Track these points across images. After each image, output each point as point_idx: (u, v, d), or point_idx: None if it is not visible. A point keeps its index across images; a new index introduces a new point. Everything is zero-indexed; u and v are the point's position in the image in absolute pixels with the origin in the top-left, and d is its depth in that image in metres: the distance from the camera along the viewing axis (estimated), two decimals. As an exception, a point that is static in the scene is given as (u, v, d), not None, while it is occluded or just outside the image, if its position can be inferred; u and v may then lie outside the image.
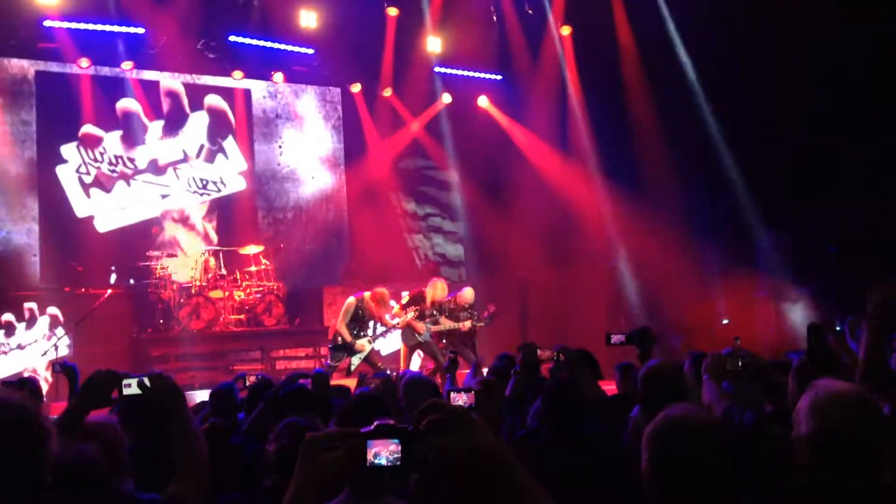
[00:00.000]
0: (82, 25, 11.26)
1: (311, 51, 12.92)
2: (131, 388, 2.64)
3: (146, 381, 2.57)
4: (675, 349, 9.66)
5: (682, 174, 11.33)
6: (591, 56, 13.01)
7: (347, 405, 3.22)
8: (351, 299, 9.04)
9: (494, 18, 12.95)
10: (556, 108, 13.38)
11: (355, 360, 8.99)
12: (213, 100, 13.12)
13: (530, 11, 12.93)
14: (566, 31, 13.15)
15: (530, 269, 13.13)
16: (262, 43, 12.52)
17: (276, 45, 12.68)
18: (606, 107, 12.65)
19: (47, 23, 11.01)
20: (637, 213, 11.34)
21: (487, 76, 14.06)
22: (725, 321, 11.25)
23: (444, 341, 9.52)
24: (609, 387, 5.56)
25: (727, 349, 4.00)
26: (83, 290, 10.53)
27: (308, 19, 12.25)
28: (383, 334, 9.51)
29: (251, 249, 11.92)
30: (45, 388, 7.76)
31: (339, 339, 8.96)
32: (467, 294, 9.60)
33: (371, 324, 9.18)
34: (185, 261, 12.10)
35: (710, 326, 11.19)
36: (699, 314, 10.87)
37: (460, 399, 4.10)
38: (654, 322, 10.68)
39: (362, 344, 8.96)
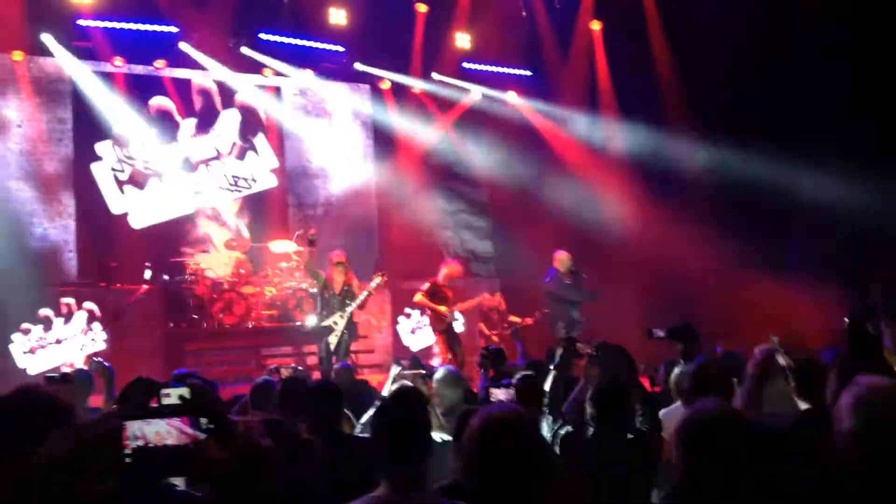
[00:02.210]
0: (116, 24, 11.40)
1: (340, 48, 12.99)
2: (170, 397, 2.66)
3: (187, 393, 2.59)
4: (709, 347, 9.56)
5: (716, 168, 11.23)
6: (621, 50, 12.91)
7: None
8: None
9: (523, 13, 12.91)
10: (586, 103, 13.31)
11: (332, 340, 8.72)
12: (244, 97, 13.23)
13: (559, 6, 12.86)
14: (596, 25, 13.08)
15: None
16: (292, 40, 12.60)
17: (306, 43, 12.76)
18: (637, 101, 12.55)
19: (82, 22, 11.17)
20: (670, 207, 11.25)
21: (516, 71, 14.02)
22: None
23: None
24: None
25: (765, 347, 3.97)
26: (119, 285, 10.69)
27: (338, 16, 12.31)
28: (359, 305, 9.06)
29: (282, 246, 12.03)
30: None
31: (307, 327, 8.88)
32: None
33: (337, 299, 8.87)
34: (218, 257, 12.23)
35: (745, 323, 11.08)
36: (734, 310, 10.76)
37: (501, 395, 4.11)
38: (688, 318, 10.61)
39: (333, 322, 8.72)
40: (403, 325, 12.26)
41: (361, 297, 8.94)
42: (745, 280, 11.22)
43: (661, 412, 4.39)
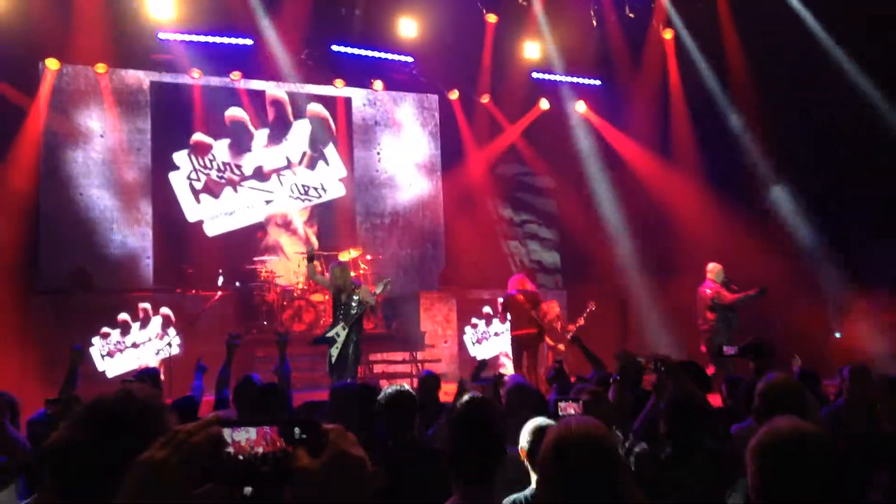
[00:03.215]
0: (195, 37, 11.75)
1: (410, 58, 13.10)
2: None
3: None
4: (782, 365, 9.29)
5: (792, 183, 10.92)
6: (694, 59, 12.68)
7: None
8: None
9: (594, 23, 12.80)
10: (658, 114, 13.11)
11: (333, 353, 7.98)
12: (315, 108, 13.46)
13: (631, 15, 12.72)
14: (668, 34, 12.89)
15: (628, 277, 12.89)
16: (362, 52, 12.78)
17: (376, 54, 12.92)
18: (711, 112, 12.31)
19: (162, 35, 11.54)
20: (743, 222, 10.97)
21: (586, 81, 13.91)
22: (837, 335, 10.76)
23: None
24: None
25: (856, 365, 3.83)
26: (193, 291, 10.95)
27: (408, 28, 12.41)
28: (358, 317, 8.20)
29: (349, 255, 12.16)
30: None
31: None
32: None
33: (346, 305, 8.10)
34: (288, 264, 12.46)
35: (820, 341, 10.74)
36: (808, 328, 10.42)
37: (570, 409, 4.05)
38: (760, 336, 10.33)
39: (335, 333, 8.01)
40: (469, 335, 12.25)
41: (357, 308, 8.10)
42: (820, 294, 10.90)
43: (733, 429, 4.27)
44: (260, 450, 1.19)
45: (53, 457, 1.52)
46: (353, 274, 9.01)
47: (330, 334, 8.08)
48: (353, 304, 8.10)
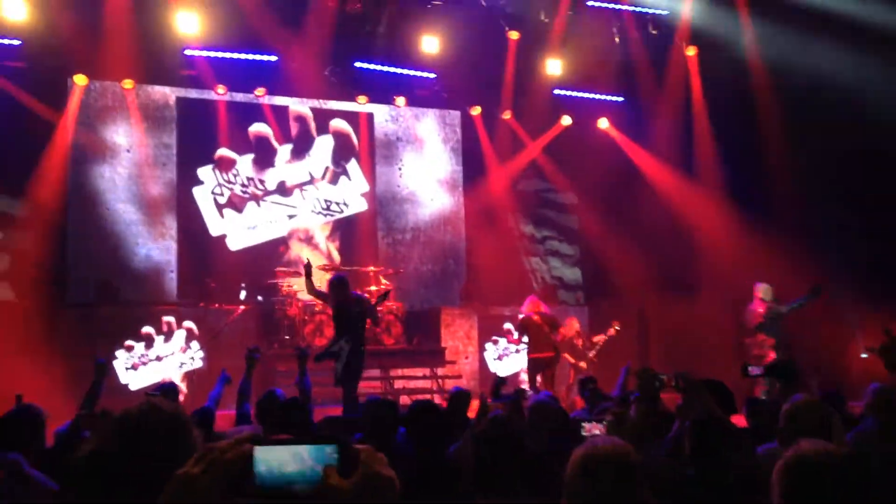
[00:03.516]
0: (220, 54, 11.91)
1: (432, 75, 13.19)
2: None
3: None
4: (807, 385, 9.19)
5: (816, 200, 10.83)
6: (718, 76, 12.65)
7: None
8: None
9: (616, 40, 12.82)
10: (681, 131, 13.08)
11: (339, 367, 7.89)
12: (338, 124, 13.56)
13: (654, 32, 12.73)
14: (692, 51, 12.88)
15: (650, 295, 12.83)
16: (385, 68, 12.88)
17: (398, 71, 13.02)
18: (735, 129, 12.25)
19: (188, 52, 11.70)
20: (767, 240, 10.88)
21: (608, 98, 13.92)
22: (864, 354, 10.61)
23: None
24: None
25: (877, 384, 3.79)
26: (216, 305, 11.03)
27: (430, 45, 12.50)
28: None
29: (371, 270, 12.22)
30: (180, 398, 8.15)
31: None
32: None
33: (348, 318, 8.00)
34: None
35: (845, 362, 10.62)
36: (833, 347, 10.30)
37: (595, 430, 4.05)
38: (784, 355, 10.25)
39: (339, 346, 7.89)
40: (490, 351, 12.23)
41: (358, 320, 8.02)
42: (843, 314, 10.78)
43: (759, 450, 4.23)
44: (291, 468, 1.20)
45: (84, 469, 1.55)
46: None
47: (334, 349, 8.02)
48: (356, 316, 8.05)
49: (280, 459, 1.21)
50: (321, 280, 12.10)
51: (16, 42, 10.80)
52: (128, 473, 1.48)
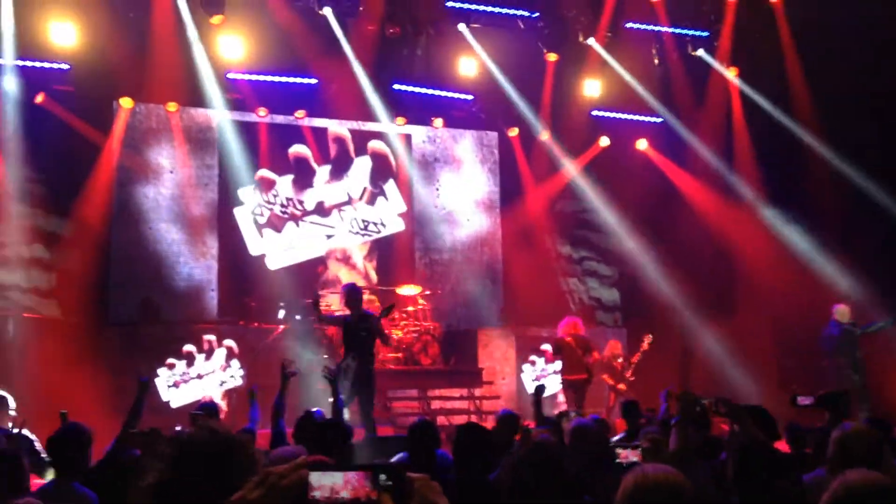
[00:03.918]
0: (262, 77, 12.12)
1: (470, 96, 13.27)
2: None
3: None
4: (853, 414, 9.00)
5: (862, 221, 10.64)
6: (759, 96, 12.53)
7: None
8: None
9: (656, 61, 12.79)
10: (721, 151, 12.96)
11: (346, 384, 7.66)
12: (376, 145, 13.68)
13: (694, 53, 12.67)
14: (732, 72, 12.79)
15: (690, 316, 12.67)
16: (423, 90, 12.99)
17: (436, 92, 13.12)
18: (777, 149, 12.11)
19: (231, 75, 11.93)
20: (812, 262, 10.71)
21: (647, 119, 13.87)
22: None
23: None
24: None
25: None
26: (256, 324, 11.15)
27: (468, 67, 12.58)
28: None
29: (408, 290, 12.25)
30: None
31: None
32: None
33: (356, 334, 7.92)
34: (347, 299, 12.56)
35: (890, 386, 10.35)
36: (883, 375, 10.07)
37: (633, 456, 4.01)
38: (823, 382, 10.08)
39: (347, 363, 7.80)
40: (528, 372, 12.17)
41: (367, 337, 7.90)
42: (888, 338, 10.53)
43: (805, 478, 4.15)
44: (346, 494, 1.22)
45: (155, 498, 1.57)
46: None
47: (342, 365, 7.95)
48: (363, 333, 8.02)
49: (335, 485, 1.22)
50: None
51: (65, 66, 11.09)
52: (194, 500, 1.50)
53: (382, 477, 1.25)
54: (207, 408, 6.13)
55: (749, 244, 12.28)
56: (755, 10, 11.79)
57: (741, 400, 4.79)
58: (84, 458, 4.23)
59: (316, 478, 1.25)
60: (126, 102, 11.85)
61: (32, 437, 5.37)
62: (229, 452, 1.56)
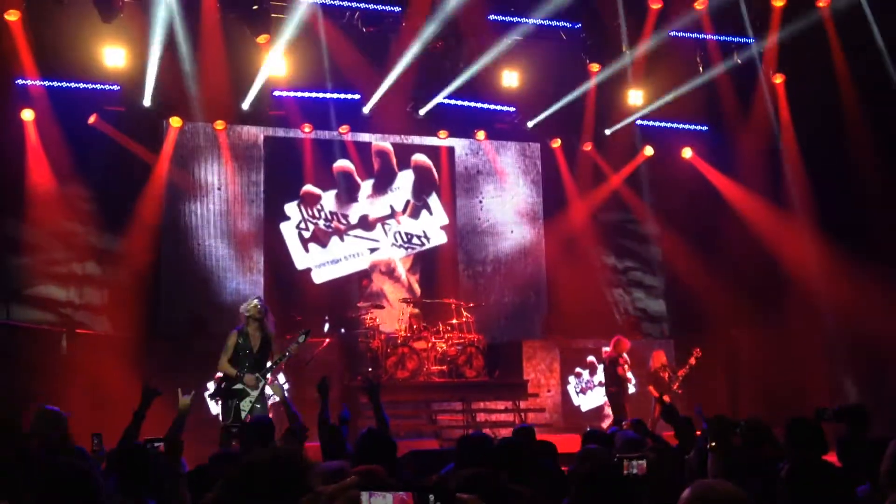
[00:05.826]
0: (306, 94, 12.28)
1: (512, 108, 13.27)
2: None
3: None
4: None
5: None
6: (807, 103, 12.30)
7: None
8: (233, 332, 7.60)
9: (700, 69, 12.65)
10: (768, 159, 12.74)
11: (245, 405, 7.28)
12: (419, 158, 13.77)
13: (739, 61, 12.50)
14: (779, 79, 12.58)
15: (739, 328, 12.45)
16: (466, 103, 13.02)
17: (479, 105, 13.15)
18: (825, 156, 11.85)
19: (277, 93, 12.11)
20: (862, 272, 10.42)
21: (692, 127, 13.71)
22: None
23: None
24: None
25: None
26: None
27: (510, 79, 12.59)
28: (280, 366, 7.70)
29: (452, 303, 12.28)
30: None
31: (220, 384, 7.35)
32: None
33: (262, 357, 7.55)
34: (391, 312, 12.65)
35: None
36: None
37: (635, 467, 3.96)
38: (876, 395, 9.82)
39: (251, 378, 7.32)
40: (573, 384, 12.08)
41: (277, 358, 7.61)
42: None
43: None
44: None
45: None
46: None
47: (238, 386, 7.43)
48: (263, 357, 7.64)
49: None
50: (402, 312, 12.29)
51: (115, 87, 11.38)
52: None
53: (431, 497, 1.26)
54: (262, 423, 6.07)
55: (800, 253, 12.02)
56: (803, 16, 11.56)
57: (794, 414, 4.67)
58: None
59: (365, 498, 1.26)
60: (175, 121, 12.13)
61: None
62: (286, 475, 1.58)
